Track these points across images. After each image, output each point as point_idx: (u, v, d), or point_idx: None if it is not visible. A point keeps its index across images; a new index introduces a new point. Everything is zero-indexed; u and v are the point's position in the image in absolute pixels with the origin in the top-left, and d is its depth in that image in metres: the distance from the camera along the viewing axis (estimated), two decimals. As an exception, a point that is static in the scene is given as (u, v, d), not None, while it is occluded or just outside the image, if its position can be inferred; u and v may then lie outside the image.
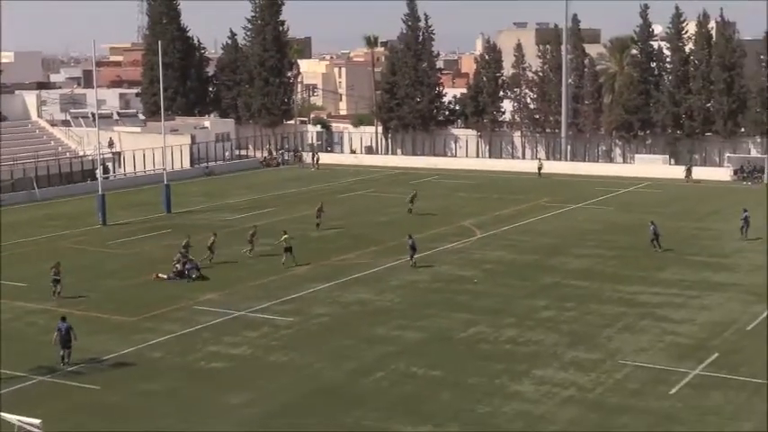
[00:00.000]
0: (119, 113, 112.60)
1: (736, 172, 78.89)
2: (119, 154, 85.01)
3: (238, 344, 33.71)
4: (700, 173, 78.81)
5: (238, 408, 27.52)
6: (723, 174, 79.44)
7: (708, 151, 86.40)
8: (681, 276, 43.37)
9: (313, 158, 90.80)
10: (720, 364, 30.81)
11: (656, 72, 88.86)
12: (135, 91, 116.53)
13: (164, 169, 67.43)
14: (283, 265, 45.29)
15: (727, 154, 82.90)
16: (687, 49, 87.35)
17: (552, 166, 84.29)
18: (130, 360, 31.94)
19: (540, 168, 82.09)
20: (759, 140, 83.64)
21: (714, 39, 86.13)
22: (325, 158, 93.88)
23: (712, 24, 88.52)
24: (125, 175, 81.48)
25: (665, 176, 78.91)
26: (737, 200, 62.34)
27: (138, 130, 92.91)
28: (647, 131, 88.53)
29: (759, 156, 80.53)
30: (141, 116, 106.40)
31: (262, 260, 45.55)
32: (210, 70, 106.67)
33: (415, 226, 54.84)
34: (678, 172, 79.08)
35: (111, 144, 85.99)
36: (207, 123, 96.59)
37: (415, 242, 46.23)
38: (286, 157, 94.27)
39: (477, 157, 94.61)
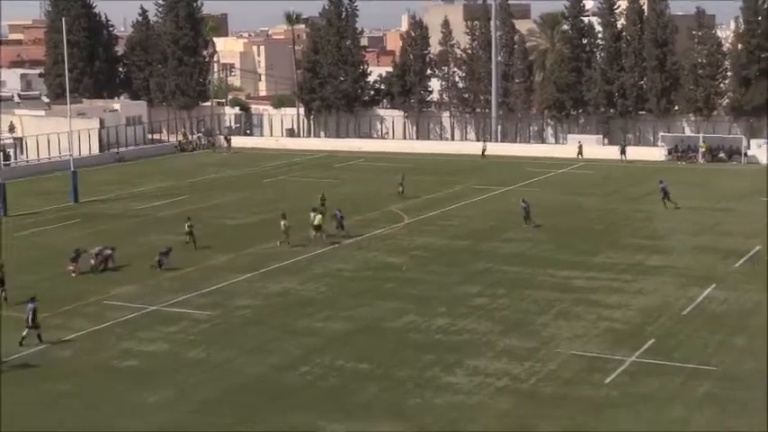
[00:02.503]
0: (20, 96, 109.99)
1: (670, 151, 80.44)
2: (21, 139, 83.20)
3: (154, 340, 33.33)
4: (634, 153, 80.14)
5: (154, 407, 27.21)
6: (657, 153, 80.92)
7: (641, 130, 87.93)
8: (615, 260, 44.06)
9: (227, 142, 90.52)
10: (656, 350, 31.41)
11: (587, 49, 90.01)
12: (38, 71, 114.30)
13: (70, 155, 66.22)
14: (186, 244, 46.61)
15: (661, 133, 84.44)
16: (619, 24, 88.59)
17: (479, 148, 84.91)
18: (36, 360, 31.34)
19: (484, 150, 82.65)
20: (693, 119, 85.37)
21: (646, 14, 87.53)
22: (244, 142, 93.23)
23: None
24: (28, 162, 79.82)
25: (599, 156, 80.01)
26: (672, 180, 63.47)
27: (42, 113, 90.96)
28: (580, 110, 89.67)
29: (693, 135, 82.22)
30: (45, 99, 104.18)
31: (178, 251, 45.06)
32: (120, 49, 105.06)
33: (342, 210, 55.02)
34: (612, 152, 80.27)
35: (12, 129, 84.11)
36: (117, 106, 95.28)
37: (343, 216, 48.21)
38: (203, 141, 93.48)
39: (405, 138, 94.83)
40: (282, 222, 47.41)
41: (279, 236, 47.40)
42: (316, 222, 47.78)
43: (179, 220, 50.67)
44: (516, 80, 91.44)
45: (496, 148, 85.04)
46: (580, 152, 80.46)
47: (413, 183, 63.82)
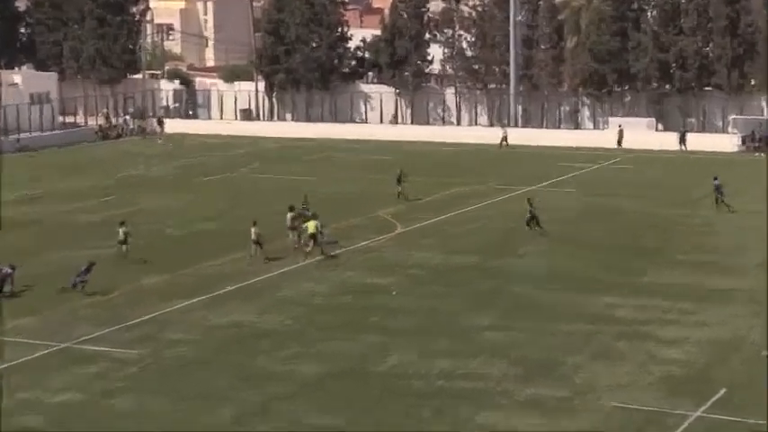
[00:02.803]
0: None
1: (744, 140, 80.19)
2: None
3: (65, 388, 33.05)
4: (696, 141, 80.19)
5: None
6: (727, 142, 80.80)
7: (707, 112, 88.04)
8: (668, 281, 44.00)
9: (159, 126, 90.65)
10: (728, 402, 31.09)
11: (635, 6, 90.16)
12: None
13: (-44, 144, 66.09)
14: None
15: (733, 116, 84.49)
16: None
17: (497, 135, 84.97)
18: None
19: (503, 138, 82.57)
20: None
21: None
22: (185, 126, 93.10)
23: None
24: None
25: (649, 147, 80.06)
26: (745, 177, 63.47)
27: None
28: (626, 86, 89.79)
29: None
30: None
31: (102, 269, 44.87)
32: (22, 4, 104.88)
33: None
34: (668, 140, 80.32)
35: None
36: (17, 79, 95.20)
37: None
38: (131, 126, 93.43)
39: (396, 122, 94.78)
40: (253, 230, 47.46)
41: (246, 249, 47.35)
42: (310, 231, 48.09)
43: (101, 229, 50.49)
44: (542, 47, 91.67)
45: (516, 135, 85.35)
46: (620, 140, 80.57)
47: (409, 180, 63.76)
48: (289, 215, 49.36)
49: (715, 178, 59.15)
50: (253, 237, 47.58)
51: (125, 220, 49.65)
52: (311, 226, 48.28)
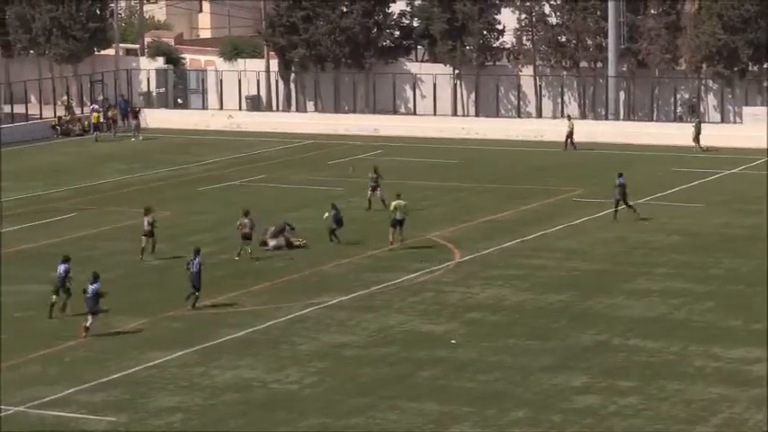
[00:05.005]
0: None
1: None
2: None
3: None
4: None
5: None
6: None
7: None
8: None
9: (133, 117, 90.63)
10: None
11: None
12: None
13: None
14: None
15: None
16: None
17: (592, 129, 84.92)
18: None
19: (569, 133, 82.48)
20: None
21: None
22: (170, 119, 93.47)
23: None
24: None
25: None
26: None
27: None
28: (765, 65, 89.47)
29: None
30: None
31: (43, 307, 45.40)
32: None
33: (345, 242, 55.78)
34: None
35: None
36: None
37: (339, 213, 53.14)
38: (101, 118, 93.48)
39: (455, 114, 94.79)
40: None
41: (223, 285, 47.50)
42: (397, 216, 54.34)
43: (55, 255, 50.63)
44: (652, 11, 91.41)
45: (614, 130, 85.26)
46: (697, 136, 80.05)
47: (469, 192, 63.99)
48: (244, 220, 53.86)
49: (620, 175, 60.88)
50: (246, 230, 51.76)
51: (150, 207, 54.08)
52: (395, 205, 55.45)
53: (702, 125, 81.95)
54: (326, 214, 56.63)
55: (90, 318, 43.77)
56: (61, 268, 46.61)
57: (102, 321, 45.41)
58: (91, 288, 43.76)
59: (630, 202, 60.94)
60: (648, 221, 60.82)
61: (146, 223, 54.45)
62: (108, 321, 45.70)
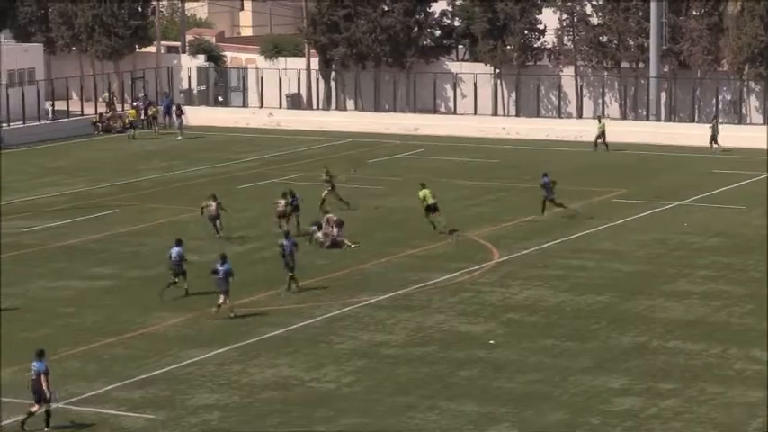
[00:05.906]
0: None
1: None
2: None
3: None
4: None
5: None
6: None
7: None
8: None
9: (177, 116, 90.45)
10: None
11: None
12: None
13: None
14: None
15: None
16: None
17: (632, 131, 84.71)
18: None
19: (600, 134, 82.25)
20: None
21: None
22: (212, 117, 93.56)
23: None
24: None
25: None
26: None
27: None
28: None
29: None
30: None
31: (85, 303, 45.51)
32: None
33: (384, 241, 55.84)
34: None
35: None
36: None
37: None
38: (142, 116, 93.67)
39: (495, 114, 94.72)
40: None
41: (262, 283, 47.63)
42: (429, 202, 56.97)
43: (93, 252, 50.96)
44: (694, 12, 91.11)
45: (655, 131, 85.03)
46: (714, 136, 79.88)
47: (509, 192, 63.94)
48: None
49: (545, 175, 62.08)
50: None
51: (215, 193, 57.76)
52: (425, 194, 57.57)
53: (720, 126, 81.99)
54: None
55: (222, 296, 45.52)
56: (174, 251, 48.64)
57: (144, 316, 45.75)
58: (221, 269, 45.36)
59: (558, 200, 62.15)
60: (690, 223, 60.61)
61: (213, 208, 56.95)
62: (151, 313, 46.14)
